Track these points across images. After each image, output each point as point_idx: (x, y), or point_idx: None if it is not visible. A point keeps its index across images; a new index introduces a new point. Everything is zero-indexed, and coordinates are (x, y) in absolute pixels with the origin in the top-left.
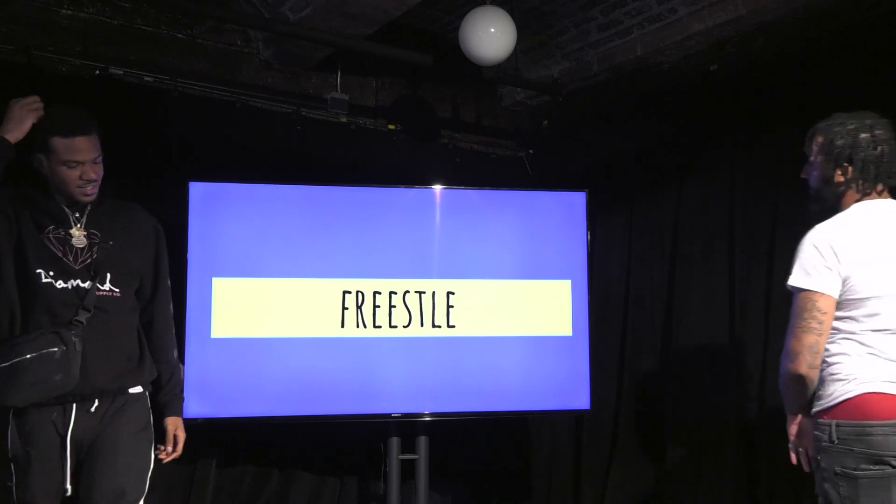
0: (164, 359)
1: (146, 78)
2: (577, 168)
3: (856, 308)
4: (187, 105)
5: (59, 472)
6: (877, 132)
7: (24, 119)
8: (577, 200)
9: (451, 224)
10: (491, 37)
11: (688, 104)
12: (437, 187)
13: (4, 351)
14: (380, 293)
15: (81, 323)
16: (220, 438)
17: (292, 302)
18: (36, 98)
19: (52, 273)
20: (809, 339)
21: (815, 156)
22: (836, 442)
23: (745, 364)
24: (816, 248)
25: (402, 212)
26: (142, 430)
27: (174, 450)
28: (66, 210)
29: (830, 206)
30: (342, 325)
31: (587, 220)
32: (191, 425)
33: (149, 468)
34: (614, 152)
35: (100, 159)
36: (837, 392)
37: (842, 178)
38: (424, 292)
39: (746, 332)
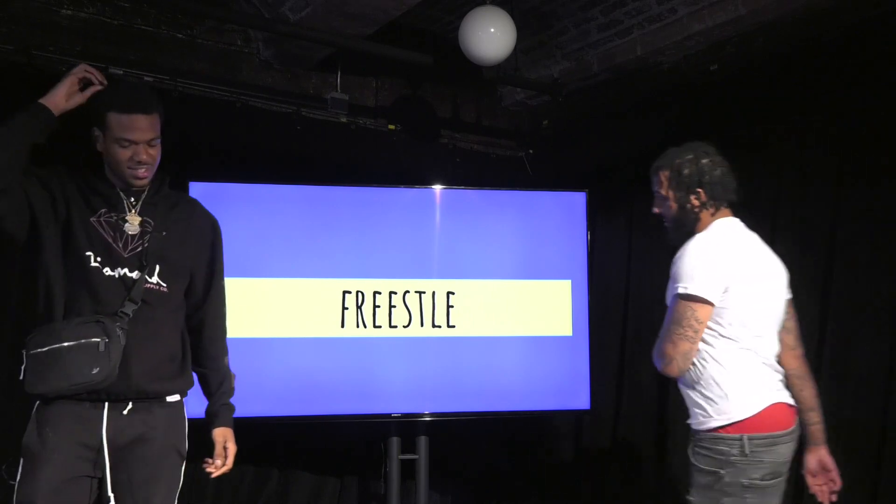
0: (215, 366)
1: (146, 78)
2: (577, 168)
3: (736, 317)
4: (187, 105)
5: (84, 477)
6: (713, 157)
7: (70, 87)
8: (577, 200)
9: (451, 224)
10: (491, 37)
11: (688, 104)
12: (437, 187)
13: (41, 336)
14: (380, 293)
15: (127, 315)
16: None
17: (292, 302)
18: (88, 67)
19: (100, 259)
20: (685, 346)
21: (665, 189)
22: (749, 455)
23: None
24: (700, 258)
25: (402, 212)
26: (178, 447)
27: (223, 463)
28: (121, 194)
29: (689, 230)
30: (342, 325)
31: (587, 220)
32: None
33: (178, 488)
34: (614, 152)
35: (157, 142)
36: (747, 404)
37: (697, 203)
38: (424, 292)
39: None
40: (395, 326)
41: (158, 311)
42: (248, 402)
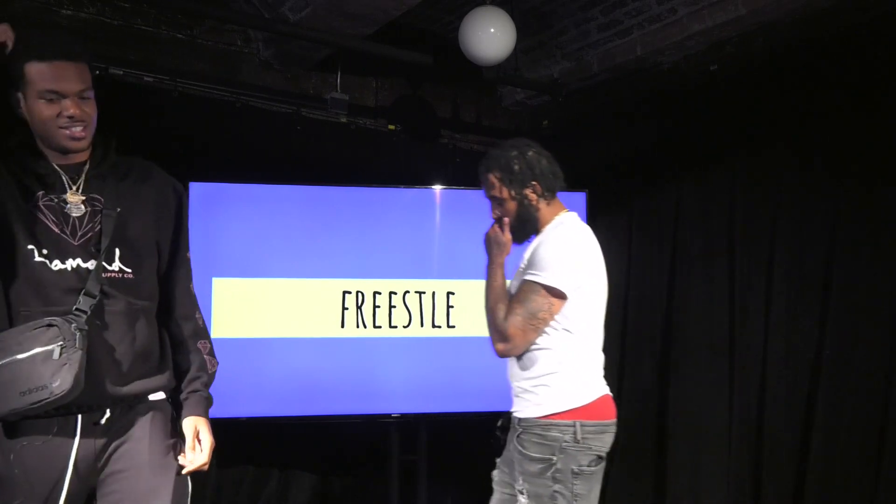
0: (188, 348)
1: (146, 78)
2: (577, 168)
3: (579, 311)
4: (187, 105)
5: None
6: (535, 148)
7: None
8: (577, 200)
9: (451, 224)
10: (491, 37)
11: (688, 104)
12: (437, 187)
13: None
14: (380, 293)
15: (84, 312)
16: (220, 438)
17: (292, 302)
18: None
19: (45, 251)
20: (532, 336)
21: (499, 190)
22: (580, 441)
23: (745, 364)
24: (564, 252)
25: (402, 212)
26: (170, 449)
27: (197, 458)
28: (59, 170)
29: (534, 225)
30: (342, 326)
31: (587, 220)
32: None
33: (188, 493)
34: (614, 152)
35: (90, 94)
36: (580, 392)
37: (534, 196)
38: (424, 292)
39: (746, 332)
40: (395, 326)
41: (123, 302)
42: (249, 402)
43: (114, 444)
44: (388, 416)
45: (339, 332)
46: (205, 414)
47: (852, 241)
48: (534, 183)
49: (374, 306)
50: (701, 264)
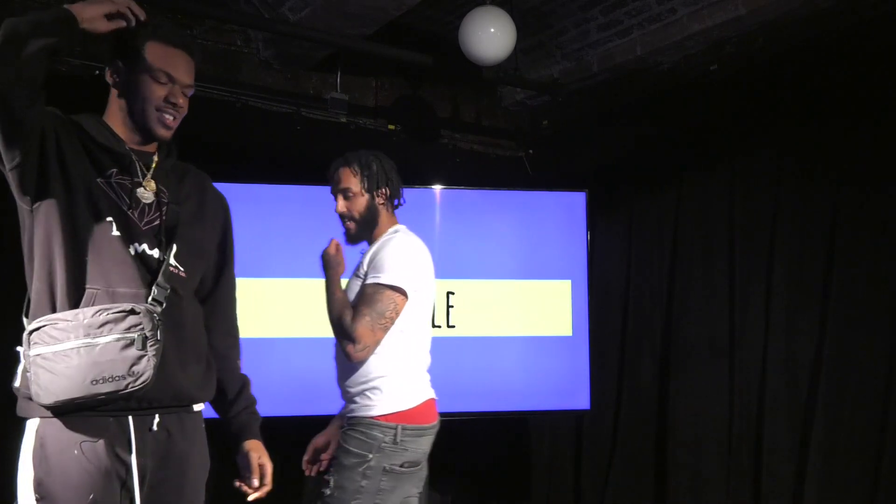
0: (230, 366)
1: None
2: (577, 168)
3: (414, 314)
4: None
5: None
6: (389, 160)
7: (108, 9)
8: (577, 200)
9: (451, 224)
10: (491, 37)
11: (688, 104)
12: (437, 187)
13: (56, 331)
14: None
15: (160, 303)
16: (220, 438)
17: (292, 302)
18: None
19: (120, 229)
20: (381, 335)
21: (353, 185)
22: (399, 443)
23: (745, 363)
24: (407, 254)
25: (402, 212)
26: (205, 465)
27: (262, 483)
28: (132, 153)
29: (371, 230)
30: None
31: (587, 220)
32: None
33: None
34: (614, 152)
35: (190, 92)
36: (406, 396)
37: (382, 200)
38: None
39: (746, 332)
40: None
41: (185, 300)
42: None
43: (162, 454)
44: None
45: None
46: (261, 437)
47: (852, 242)
48: (385, 187)
49: None
50: (701, 264)
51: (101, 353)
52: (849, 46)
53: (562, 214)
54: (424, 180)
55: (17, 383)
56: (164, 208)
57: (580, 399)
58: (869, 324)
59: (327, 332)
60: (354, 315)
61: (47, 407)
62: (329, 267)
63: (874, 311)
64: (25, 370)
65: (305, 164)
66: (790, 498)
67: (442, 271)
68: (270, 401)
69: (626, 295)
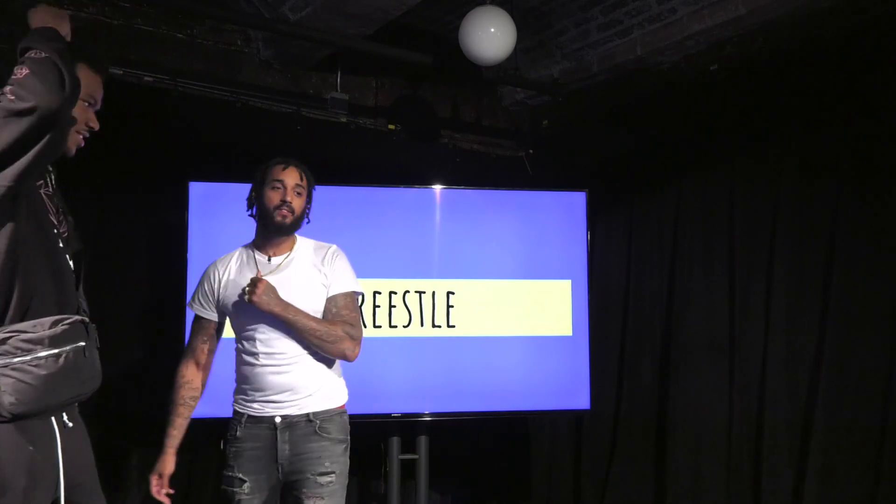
0: None
1: (146, 78)
2: (577, 168)
3: None
4: (187, 105)
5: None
6: None
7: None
8: (577, 200)
9: (451, 224)
10: (491, 37)
11: (688, 104)
12: (437, 187)
13: (23, 343)
14: (380, 293)
15: (86, 312)
16: (220, 438)
17: None
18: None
19: (61, 236)
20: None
21: (305, 190)
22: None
23: (745, 363)
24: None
25: (402, 212)
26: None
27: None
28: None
29: (293, 231)
30: None
31: (587, 220)
32: (191, 425)
33: None
34: (614, 152)
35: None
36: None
37: (309, 207)
38: (424, 292)
39: (746, 332)
40: (395, 326)
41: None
42: None
43: (79, 444)
44: (388, 416)
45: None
46: None
47: (852, 242)
48: (310, 202)
49: (374, 306)
50: (701, 264)
51: (70, 363)
52: (849, 46)
53: (562, 214)
54: (424, 180)
55: None
56: (62, 217)
57: (580, 399)
58: (869, 324)
59: None
60: (352, 321)
61: (14, 415)
62: (283, 308)
63: (874, 311)
64: None
65: (305, 165)
66: (790, 498)
67: (442, 271)
68: None
69: (626, 295)
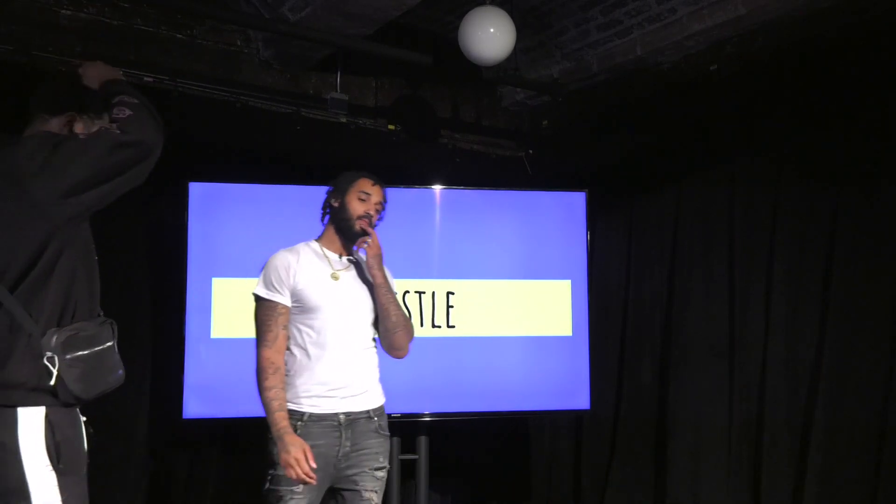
0: None
1: (146, 78)
2: (576, 168)
3: None
4: (187, 105)
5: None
6: None
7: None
8: (577, 200)
9: (451, 224)
10: (491, 37)
11: (688, 104)
12: (437, 187)
13: (76, 339)
14: None
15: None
16: (220, 438)
17: None
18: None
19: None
20: None
21: (382, 210)
22: None
23: (745, 363)
24: None
25: (402, 212)
26: None
27: None
28: None
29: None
30: None
31: (587, 220)
32: (191, 425)
33: None
34: (614, 152)
35: None
36: None
37: None
38: (424, 292)
39: (746, 332)
40: None
41: None
42: (249, 402)
43: None
44: (388, 416)
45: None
46: None
47: (852, 242)
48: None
49: None
50: (701, 264)
51: (109, 357)
52: (849, 46)
53: (562, 214)
54: (424, 180)
55: (52, 381)
56: None
57: (580, 399)
58: (869, 324)
59: None
60: (403, 314)
61: (79, 399)
62: (384, 275)
63: (874, 312)
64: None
65: (305, 165)
66: (790, 498)
67: (442, 271)
68: None
69: (626, 295)
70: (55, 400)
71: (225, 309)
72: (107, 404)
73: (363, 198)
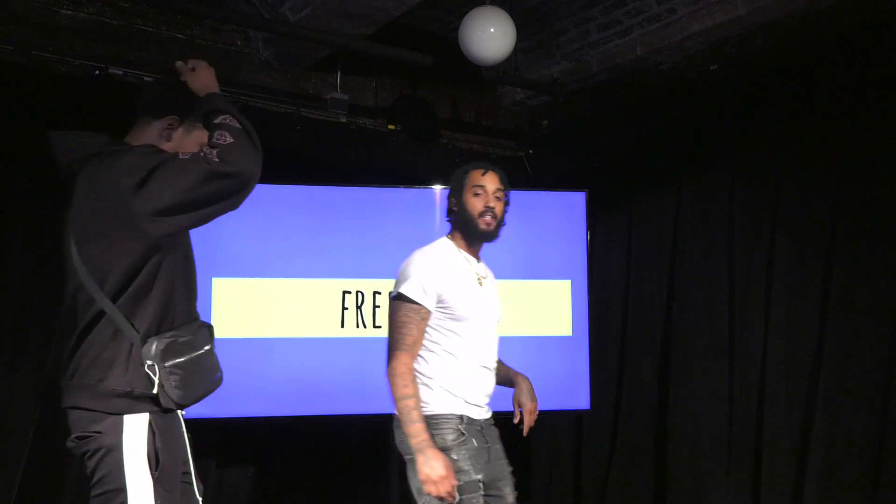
0: None
1: (146, 78)
2: (577, 168)
3: None
4: None
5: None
6: None
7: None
8: (577, 200)
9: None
10: (491, 37)
11: (688, 104)
12: (437, 187)
13: (176, 345)
14: (380, 293)
15: None
16: (220, 438)
17: (292, 302)
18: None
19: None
20: None
21: (504, 193)
22: None
23: (744, 363)
24: None
25: (402, 212)
26: None
27: None
28: None
29: (497, 234)
30: (342, 325)
31: (587, 220)
32: (191, 425)
33: None
34: (614, 152)
35: None
36: None
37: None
38: None
39: (746, 332)
40: None
41: None
42: (248, 402)
43: None
44: (389, 416)
45: (338, 332)
46: None
47: (852, 242)
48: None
49: (374, 306)
50: (701, 264)
51: (206, 361)
52: (849, 46)
53: (562, 214)
54: (424, 180)
55: (154, 389)
56: None
57: (580, 399)
58: (869, 323)
59: (327, 332)
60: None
61: (179, 405)
62: None
63: (874, 311)
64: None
65: (305, 165)
66: (790, 498)
67: None
68: (270, 401)
69: (626, 295)
70: (158, 406)
71: (225, 309)
72: None
73: (478, 192)
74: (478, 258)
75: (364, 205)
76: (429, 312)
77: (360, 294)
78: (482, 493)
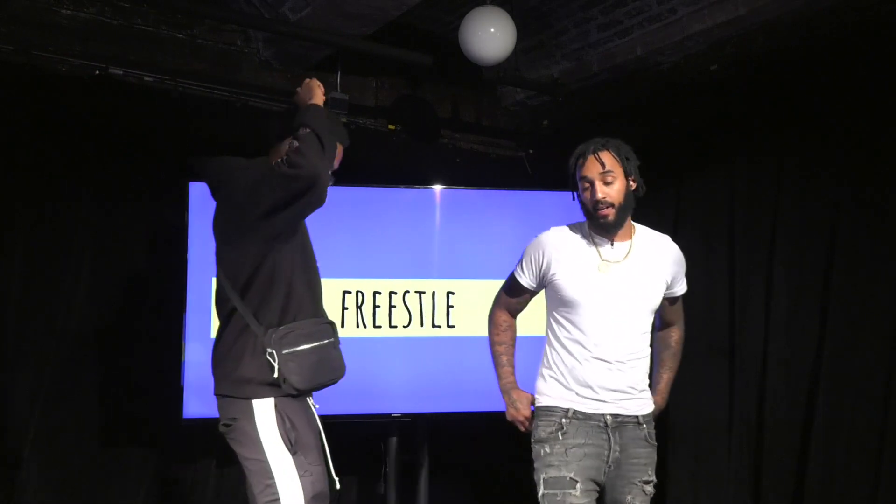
0: None
1: (146, 78)
2: None
3: None
4: (187, 105)
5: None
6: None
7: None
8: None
9: (451, 224)
10: (491, 37)
11: (688, 104)
12: (437, 187)
13: (293, 336)
14: (380, 293)
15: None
16: (221, 438)
17: None
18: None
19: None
20: None
21: (618, 170)
22: None
23: (745, 363)
24: None
25: (402, 212)
26: None
27: None
28: None
29: (624, 221)
30: (342, 326)
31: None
32: (191, 425)
33: None
34: None
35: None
36: None
37: (633, 188)
38: (424, 292)
39: (746, 331)
40: (395, 326)
41: None
42: None
43: None
44: (388, 415)
45: (338, 332)
46: None
47: (852, 241)
48: (633, 178)
49: (374, 306)
50: (701, 262)
51: (327, 353)
52: (849, 46)
53: (562, 214)
54: (424, 180)
55: (275, 374)
56: None
57: None
58: (869, 324)
59: None
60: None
61: (298, 390)
62: None
63: (874, 311)
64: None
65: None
66: (790, 498)
67: (442, 271)
68: None
69: None
70: (280, 391)
71: None
72: (106, 404)
73: (585, 185)
74: (612, 242)
75: (364, 205)
76: (527, 291)
77: (360, 294)
78: (572, 491)
